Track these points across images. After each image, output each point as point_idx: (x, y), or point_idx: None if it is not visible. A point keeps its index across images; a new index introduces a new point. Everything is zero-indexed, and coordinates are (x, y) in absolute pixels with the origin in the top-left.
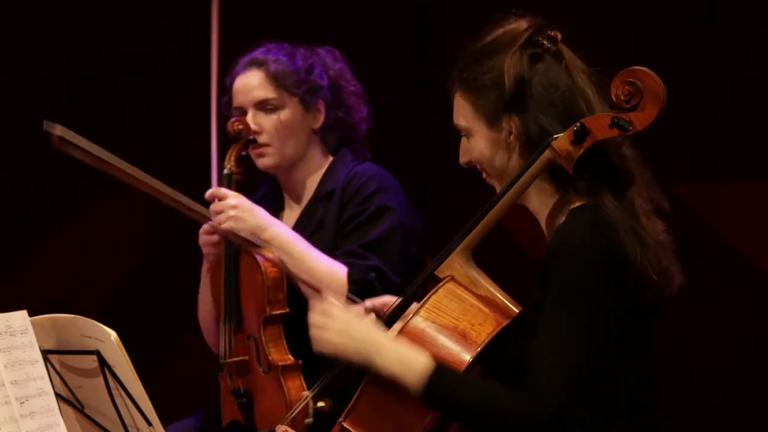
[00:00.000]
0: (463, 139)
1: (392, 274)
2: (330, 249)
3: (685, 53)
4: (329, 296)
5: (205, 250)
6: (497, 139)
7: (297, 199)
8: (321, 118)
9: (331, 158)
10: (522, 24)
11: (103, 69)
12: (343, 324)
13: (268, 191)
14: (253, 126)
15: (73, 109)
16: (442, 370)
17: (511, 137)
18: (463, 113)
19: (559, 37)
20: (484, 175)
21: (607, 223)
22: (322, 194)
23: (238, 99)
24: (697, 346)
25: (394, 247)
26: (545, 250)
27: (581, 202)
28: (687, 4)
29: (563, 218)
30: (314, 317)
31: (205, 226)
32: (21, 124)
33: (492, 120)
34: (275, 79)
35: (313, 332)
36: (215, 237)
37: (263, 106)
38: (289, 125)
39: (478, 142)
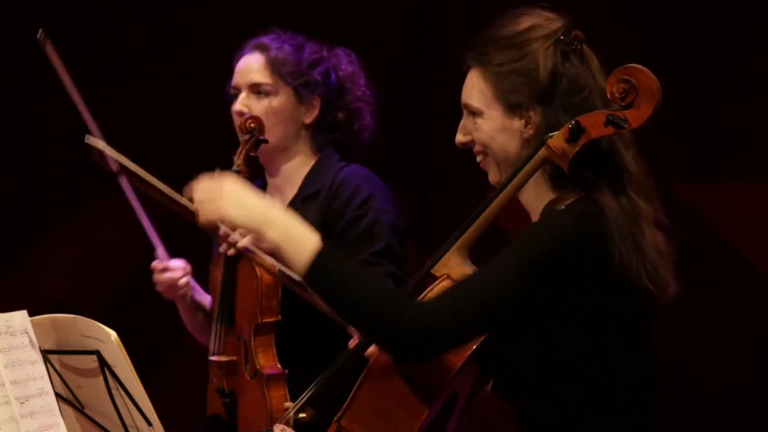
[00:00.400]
0: (467, 118)
1: (403, 276)
2: None
3: (685, 53)
4: None
5: (159, 288)
6: (512, 127)
7: (281, 194)
8: (314, 114)
9: (318, 155)
10: (555, 20)
11: (103, 69)
12: (235, 194)
13: (260, 185)
14: (241, 107)
15: (74, 109)
16: (329, 251)
17: (528, 128)
18: (480, 95)
19: (584, 38)
20: (479, 159)
21: (597, 219)
22: (306, 193)
23: (236, 79)
24: (697, 346)
25: (399, 250)
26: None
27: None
28: (687, 4)
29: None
30: (200, 187)
31: (156, 264)
32: (21, 124)
33: (513, 107)
34: (273, 65)
35: (199, 201)
36: (167, 276)
37: (256, 89)
38: (278, 113)
39: (489, 125)
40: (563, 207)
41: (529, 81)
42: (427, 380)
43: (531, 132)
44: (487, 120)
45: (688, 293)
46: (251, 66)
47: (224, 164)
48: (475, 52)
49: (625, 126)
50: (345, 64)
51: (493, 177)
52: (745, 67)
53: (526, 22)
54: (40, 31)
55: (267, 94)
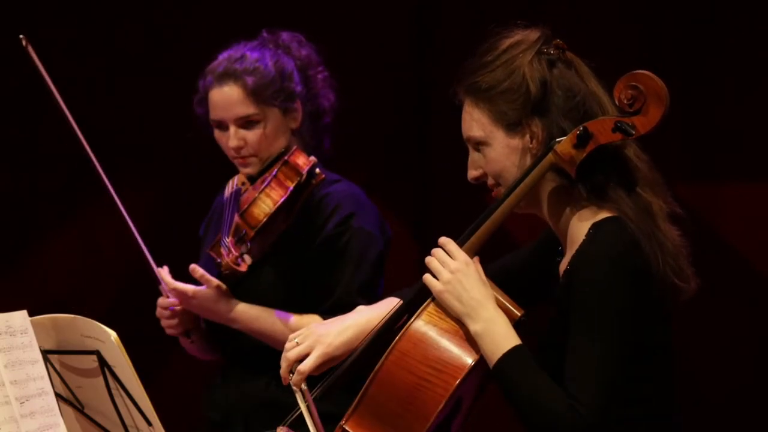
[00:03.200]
0: (473, 153)
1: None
2: (293, 257)
3: (685, 53)
4: None
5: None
6: (517, 145)
7: None
8: (299, 117)
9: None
10: (532, 33)
11: (103, 69)
12: (460, 275)
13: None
14: (237, 142)
15: (74, 109)
16: (510, 357)
17: (534, 142)
18: (478, 123)
19: (565, 45)
20: (494, 192)
21: (632, 237)
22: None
23: (218, 113)
24: (697, 345)
25: (371, 274)
26: (571, 261)
27: (603, 214)
28: (687, 4)
29: (581, 226)
30: (438, 255)
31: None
32: (21, 124)
33: (513, 126)
34: (254, 94)
35: (430, 263)
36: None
37: (244, 120)
38: (271, 134)
39: (496, 151)
40: (596, 238)
41: (521, 96)
42: (433, 387)
43: (537, 146)
44: (494, 147)
45: None
46: (231, 99)
47: (223, 164)
48: (464, 84)
49: (634, 132)
50: (296, 49)
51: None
52: (745, 67)
53: (505, 43)
54: (22, 36)
55: (257, 122)
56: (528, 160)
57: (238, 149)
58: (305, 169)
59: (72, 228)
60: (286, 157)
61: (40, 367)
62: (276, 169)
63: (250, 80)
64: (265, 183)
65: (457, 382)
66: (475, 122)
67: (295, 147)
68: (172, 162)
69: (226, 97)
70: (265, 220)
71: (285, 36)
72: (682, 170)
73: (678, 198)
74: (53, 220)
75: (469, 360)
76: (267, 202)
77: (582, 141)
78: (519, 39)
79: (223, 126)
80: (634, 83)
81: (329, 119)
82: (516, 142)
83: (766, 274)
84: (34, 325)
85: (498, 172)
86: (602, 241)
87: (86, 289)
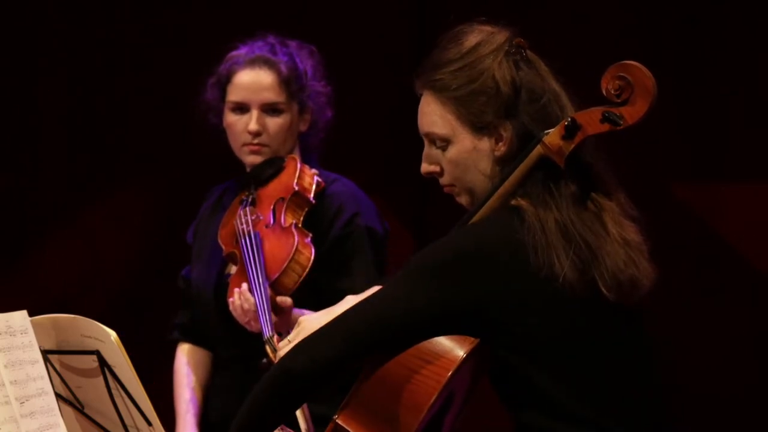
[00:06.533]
0: (430, 147)
1: None
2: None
3: (685, 53)
4: None
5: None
6: (483, 147)
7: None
8: (308, 121)
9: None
10: (498, 33)
11: (103, 68)
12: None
13: (232, 184)
14: (258, 126)
15: (74, 109)
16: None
17: (500, 145)
18: (443, 120)
19: (527, 44)
20: (446, 189)
21: (511, 230)
22: None
23: (243, 95)
24: (697, 346)
25: (378, 271)
26: None
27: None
28: (687, 4)
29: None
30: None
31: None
32: (21, 124)
33: (480, 127)
34: (286, 84)
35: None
36: None
37: (270, 107)
38: (288, 128)
39: (459, 149)
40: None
41: (491, 98)
42: (424, 379)
43: (503, 149)
44: (456, 144)
45: (688, 293)
46: (264, 84)
47: (223, 165)
48: (426, 78)
49: (622, 123)
50: (307, 59)
51: (466, 202)
52: (745, 67)
53: (471, 40)
54: None
55: (280, 112)
56: (490, 163)
57: (256, 134)
58: (311, 195)
59: (72, 228)
60: (296, 188)
61: (40, 367)
62: (284, 206)
63: (284, 69)
64: (294, 243)
65: (450, 373)
66: (439, 119)
67: (300, 165)
68: (173, 162)
69: (259, 80)
70: (297, 287)
71: (293, 44)
72: (682, 170)
73: (678, 198)
74: (53, 220)
75: (460, 352)
76: (296, 269)
77: (570, 132)
78: (485, 38)
79: (244, 108)
80: (621, 73)
81: (322, 135)
82: (482, 143)
83: (766, 274)
84: (34, 325)
85: (457, 172)
86: (475, 223)
87: (86, 289)
